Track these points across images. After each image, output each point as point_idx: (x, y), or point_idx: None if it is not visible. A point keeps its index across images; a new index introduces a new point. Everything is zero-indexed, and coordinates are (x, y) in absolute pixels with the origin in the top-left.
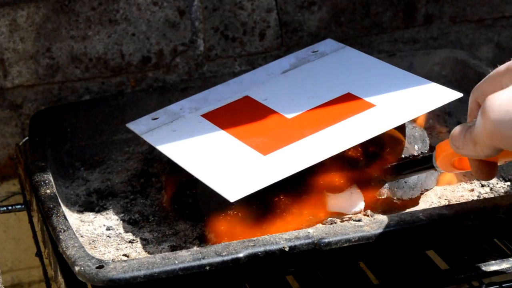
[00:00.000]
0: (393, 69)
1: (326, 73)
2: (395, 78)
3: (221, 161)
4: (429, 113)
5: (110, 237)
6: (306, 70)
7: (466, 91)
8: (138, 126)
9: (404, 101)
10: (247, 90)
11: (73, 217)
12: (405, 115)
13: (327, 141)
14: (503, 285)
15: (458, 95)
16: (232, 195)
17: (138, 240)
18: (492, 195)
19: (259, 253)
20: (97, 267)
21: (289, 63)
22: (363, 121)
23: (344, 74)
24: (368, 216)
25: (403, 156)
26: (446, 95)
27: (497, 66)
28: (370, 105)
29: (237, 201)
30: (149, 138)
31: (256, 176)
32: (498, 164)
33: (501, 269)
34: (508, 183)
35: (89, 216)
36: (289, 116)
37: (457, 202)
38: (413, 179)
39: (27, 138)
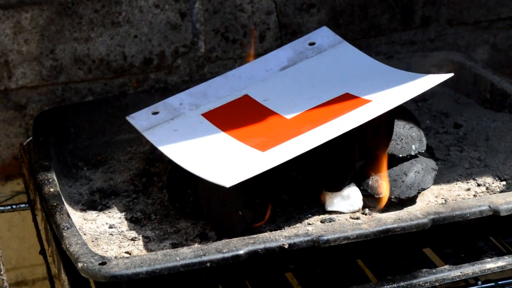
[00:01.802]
0: (389, 68)
1: (325, 73)
2: (392, 76)
3: (220, 158)
4: (426, 113)
5: (112, 235)
6: (304, 68)
7: (463, 92)
8: (138, 121)
9: (399, 91)
10: (247, 87)
11: (76, 216)
12: (399, 98)
13: (322, 132)
14: (499, 282)
15: (449, 75)
16: (227, 181)
17: (140, 238)
18: (488, 194)
19: (259, 250)
20: (100, 264)
21: (286, 57)
22: (358, 113)
23: (342, 74)
24: (366, 214)
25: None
26: (437, 78)
27: (493, 67)
28: (367, 101)
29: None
30: (150, 137)
31: (251, 165)
32: None
33: (497, 267)
34: (504, 182)
35: (92, 214)
36: (289, 116)
37: (454, 201)
38: (410, 178)
39: (31, 138)
